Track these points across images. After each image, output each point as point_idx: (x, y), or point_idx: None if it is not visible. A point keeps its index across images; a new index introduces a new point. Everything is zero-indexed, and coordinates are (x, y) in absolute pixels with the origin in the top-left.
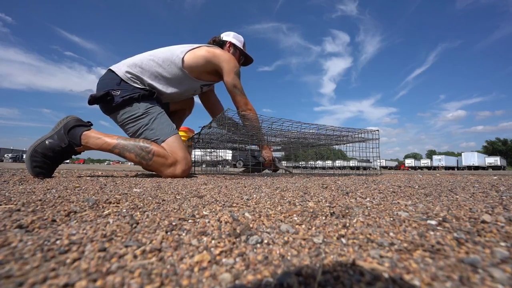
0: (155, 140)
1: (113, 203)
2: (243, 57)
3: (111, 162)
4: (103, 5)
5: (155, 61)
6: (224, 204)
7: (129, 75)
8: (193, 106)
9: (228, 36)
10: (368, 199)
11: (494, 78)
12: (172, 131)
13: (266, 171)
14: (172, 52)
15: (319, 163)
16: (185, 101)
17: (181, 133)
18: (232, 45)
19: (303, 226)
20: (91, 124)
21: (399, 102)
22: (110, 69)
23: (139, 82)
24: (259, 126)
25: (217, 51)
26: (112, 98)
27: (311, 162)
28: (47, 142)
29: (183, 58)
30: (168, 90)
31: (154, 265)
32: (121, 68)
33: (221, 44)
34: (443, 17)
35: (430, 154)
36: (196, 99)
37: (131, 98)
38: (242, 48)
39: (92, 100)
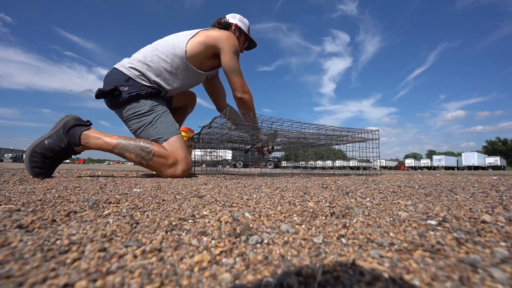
0: (158, 139)
1: (113, 203)
2: (247, 41)
3: (111, 162)
4: (103, 5)
5: (159, 56)
6: (224, 204)
7: (136, 73)
8: (195, 103)
9: (234, 19)
10: (368, 199)
11: (494, 78)
12: (175, 130)
13: (264, 170)
14: (174, 45)
15: (319, 163)
16: (187, 98)
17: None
18: (238, 28)
19: (303, 226)
20: (91, 124)
21: (399, 102)
22: (115, 68)
23: (146, 79)
24: (254, 111)
25: (213, 32)
26: (119, 94)
27: (311, 162)
28: (46, 142)
29: (185, 49)
30: (174, 84)
31: (154, 265)
32: (126, 66)
33: (226, 26)
34: (443, 17)
35: (430, 154)
36: (198, 99)
37: (138, 94)
38: (247, 31)
39: (100, 94)
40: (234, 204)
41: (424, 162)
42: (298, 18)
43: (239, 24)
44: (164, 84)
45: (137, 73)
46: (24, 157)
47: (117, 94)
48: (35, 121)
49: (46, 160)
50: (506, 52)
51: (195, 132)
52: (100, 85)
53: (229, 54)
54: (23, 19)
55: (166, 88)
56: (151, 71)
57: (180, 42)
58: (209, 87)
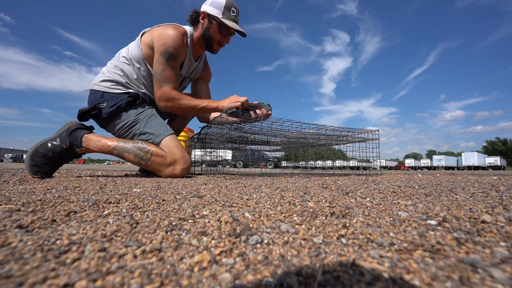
0: (151, 143)
1: (113, 203)
2: (225, 29)
3: (111, 162)
4: (103, 5)
5: (121, 61)
6: (224, 204)
7: (108, 84)
8: None
9: (205, 5)
10: (368, 199)
11: (494, 78)
12: (166, 131)
13: (265, 170)
14: (135, 51)
15: (319, 163)
16: None
17: (181, 133)
18: (206, 15)
19: (303, 226)
20: (93, 128)
21: (399, 102)
22: (90, 88)
23: (119, 86)
24: (191, 108)
25: (155, 30)
26: (100, 111)
27: (311, 162)
28: (49, 144)
29: (142, 48)
30: (146, 89)
31: (154, 265)
32: (97, 82)
33: (196, 19)
34: (443, 17)
35: (430, 154)
36: None
37: (118, 107)
38: (219, 16)
39: (80, 115)
40: (234, 204)
41: (424, 162)
42: (298, 18)
43: (208, 10)
44: (137, 88)
45: (109, 84)
46: (25, 156)
47: (98, 112)
48: (35, 121)
49: (47, 160)
50: (506, 52)
51: (195, 132)
52: None
53: (156, 55)
54: (23, 19)
55: (139, 93)
56: (121, 76)
57: (136, 42)
58: (192, 90)
